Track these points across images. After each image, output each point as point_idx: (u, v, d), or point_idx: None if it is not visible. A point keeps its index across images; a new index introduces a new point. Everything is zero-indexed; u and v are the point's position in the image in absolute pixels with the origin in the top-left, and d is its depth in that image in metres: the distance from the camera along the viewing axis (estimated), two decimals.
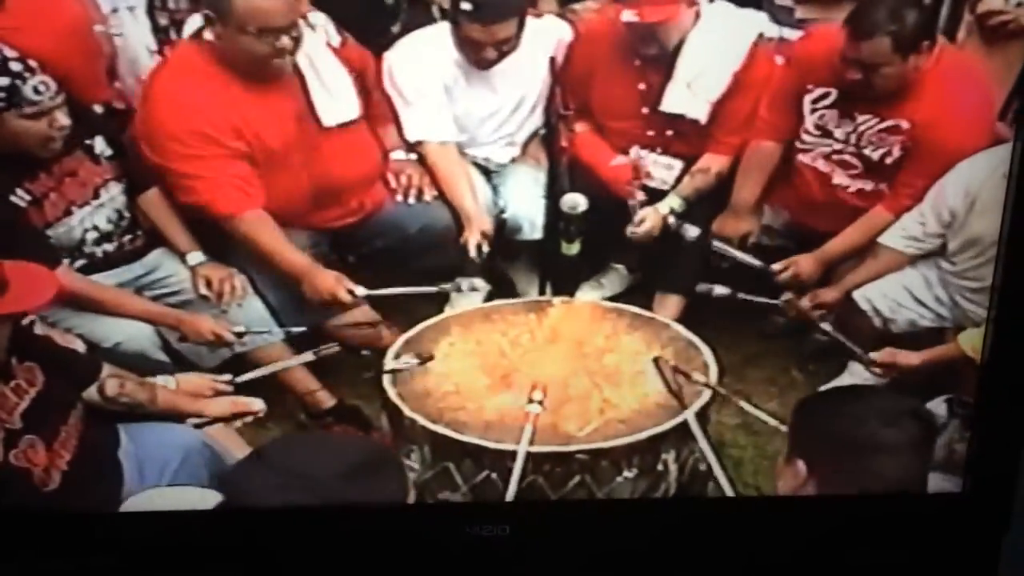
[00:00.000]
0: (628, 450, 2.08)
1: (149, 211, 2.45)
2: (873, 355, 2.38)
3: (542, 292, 2.67)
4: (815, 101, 2.54)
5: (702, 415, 2.19)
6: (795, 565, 1.96)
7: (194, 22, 2.43)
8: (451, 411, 2.18)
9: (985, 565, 1.94)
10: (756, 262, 2.62)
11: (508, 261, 2.81)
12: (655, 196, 2.71)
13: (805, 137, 2.59)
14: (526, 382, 2.21)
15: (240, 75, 2.39)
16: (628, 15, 2.52)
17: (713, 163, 2.68)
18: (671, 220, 2.66)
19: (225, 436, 2.20)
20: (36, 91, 2.16)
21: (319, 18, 2.50)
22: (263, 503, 1.51)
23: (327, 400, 2.56)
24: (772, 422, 2.18)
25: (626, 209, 2.67)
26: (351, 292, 2.47)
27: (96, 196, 2.36)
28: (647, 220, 2.66)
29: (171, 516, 1.93)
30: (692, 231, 2.65)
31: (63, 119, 2.22)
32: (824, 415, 1.76)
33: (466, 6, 2.51)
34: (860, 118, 2.49)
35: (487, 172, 2.82)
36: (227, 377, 2.27)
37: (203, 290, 2.45)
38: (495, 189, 2.80)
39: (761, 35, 2.60)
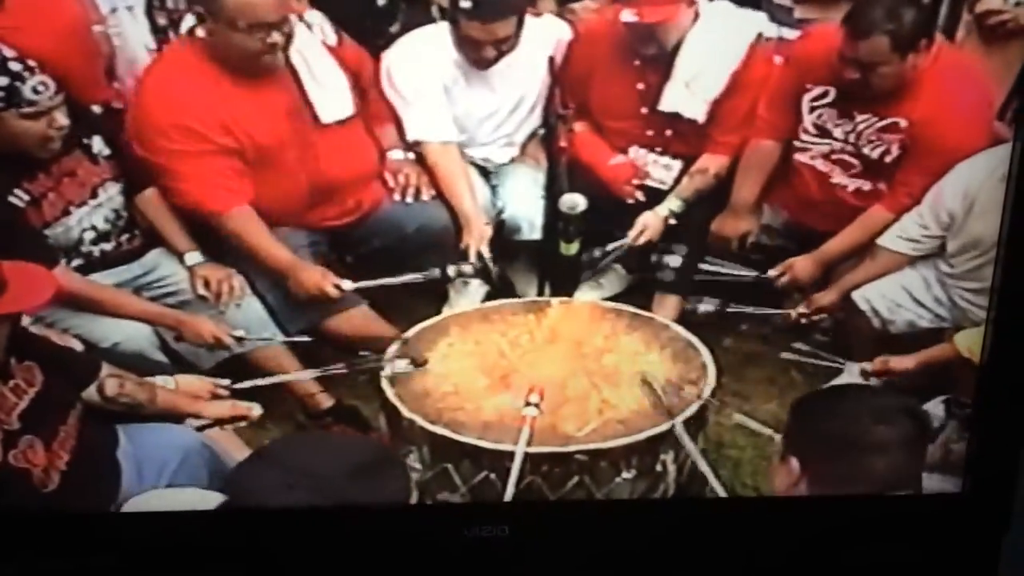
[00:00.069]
0: (627, 451, 2.08)
1: (147, 211, 2.45)
2: (866, 366, 2.38)
3: (541, 292, 2.67)
4: (814, 100, 2.54)
5: (698, 417, 2.18)
6: (795, 566, 1.96)
7: (191, 21, 2.42)
8: (450, 411, 2.18)
9: (985, 565, 1.95)
10: (750, 273, 2.62)
11: (507, 261, 2.81)
12: (654, 196, 2.71)
13: (804, 136, 2.59)
14: (525, 383, 2.21)
15: (231, 71, 2.39)
16: (627, 15, 2.52)
17: (712, 163, 2.68)
18: (652, 256, 2.67)
19: (224, 437, 2.20)
20: (35, 91, 2.15)
21: (315, 17, 2.50)
22: (267, 502, 1.51)
23: (325, 401, 2.56)
24: (766, 431, 2.18)
25: (626, 209, 2.67)
26: (337, 287, 2.47)
27: (94, 196, 2.36)
28: (648, 229, 2.67)
29: (170, 516, 1.93)
30: (674, 261, 2.66)
31: (62, 119, 2.21)
32: (817, 413, 1.77)
33: (465, 4, 2.51)
34: (859, 117, 2.49)
35: (486, 172, 2.82)
36: (226, 382, 2.27)
37: (201, 290, 2.45)
38: (494, 189, 2.80)
39: (760, 35, 2.59)
